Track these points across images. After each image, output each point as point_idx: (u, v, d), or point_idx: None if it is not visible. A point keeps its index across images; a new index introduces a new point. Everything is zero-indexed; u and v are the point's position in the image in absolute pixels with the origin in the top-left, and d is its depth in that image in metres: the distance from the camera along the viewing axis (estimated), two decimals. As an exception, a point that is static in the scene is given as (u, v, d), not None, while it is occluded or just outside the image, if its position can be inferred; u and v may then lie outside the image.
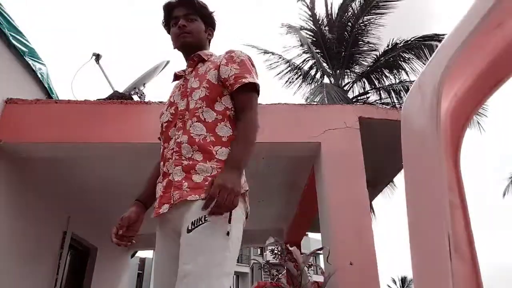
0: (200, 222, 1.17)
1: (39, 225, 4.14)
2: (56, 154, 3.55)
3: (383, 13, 10.65)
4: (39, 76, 4.10)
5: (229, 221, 1.18)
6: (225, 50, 1.53)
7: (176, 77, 1.60)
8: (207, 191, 1.19)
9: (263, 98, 4.86)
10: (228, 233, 1.17)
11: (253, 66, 1.49)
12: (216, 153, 1.30)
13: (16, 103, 3.46)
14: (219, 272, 1.14)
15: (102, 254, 5.80)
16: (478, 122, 9.73)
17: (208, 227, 1.17)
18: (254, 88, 1.42)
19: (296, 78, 11.64)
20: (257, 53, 11.17)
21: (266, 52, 11.27)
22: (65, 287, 4.84)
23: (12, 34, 3.65)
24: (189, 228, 1.18)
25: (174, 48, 1.60)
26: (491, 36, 0.59)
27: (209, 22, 1.62)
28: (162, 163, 1.41)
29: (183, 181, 1.27)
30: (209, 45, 1.65)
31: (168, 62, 4.71)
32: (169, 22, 1.60)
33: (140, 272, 20.49)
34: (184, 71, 1.56)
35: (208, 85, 1.41)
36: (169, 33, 1.62)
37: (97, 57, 4.47)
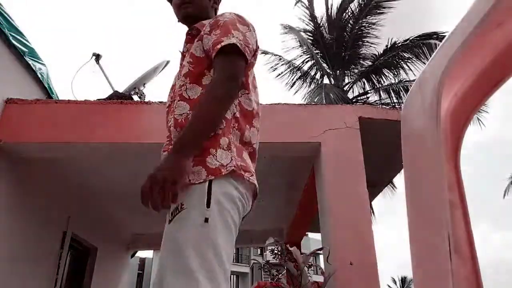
0: (177, 212, 1.02)
1: (39, 225, 4.13)
2: (56, 154, 3.55)
3: (382, 13, 10.67)
4: (39, 76, 4.09)
5: (207, 205, 1.00)
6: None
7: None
8: None
9: (263, 98, 4.86)
10: (206, 220, 0.99)
11: (242, 24, 1.23)
12: None
13: (16, 103, 3.46)
14: (196, 268, 0.95)
15: (102, 254, 5.78)
16: (478, 119, 9.74)
17: (182, 217, 1.01)
18: (235, 50, 1.14)
19: (296, 79, 11.66)
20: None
21: (266, 53, 11.28)
22: (65, 287, 4.83)
23: (12, 34, 3.65)
24: (169, 218, 1.05)
25: (178, 21, 1.43)
26: (491, 36, 0.59)
27: None
28: None
29: None
30: (216, 14, 1.44)
31: (168, 62, 4.71)
32: None
33: (140, 272, 20.53)
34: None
35: (191, 59, 1.24)
36: (171, 4, 1.45)
37: (97, 57, 4.48)
